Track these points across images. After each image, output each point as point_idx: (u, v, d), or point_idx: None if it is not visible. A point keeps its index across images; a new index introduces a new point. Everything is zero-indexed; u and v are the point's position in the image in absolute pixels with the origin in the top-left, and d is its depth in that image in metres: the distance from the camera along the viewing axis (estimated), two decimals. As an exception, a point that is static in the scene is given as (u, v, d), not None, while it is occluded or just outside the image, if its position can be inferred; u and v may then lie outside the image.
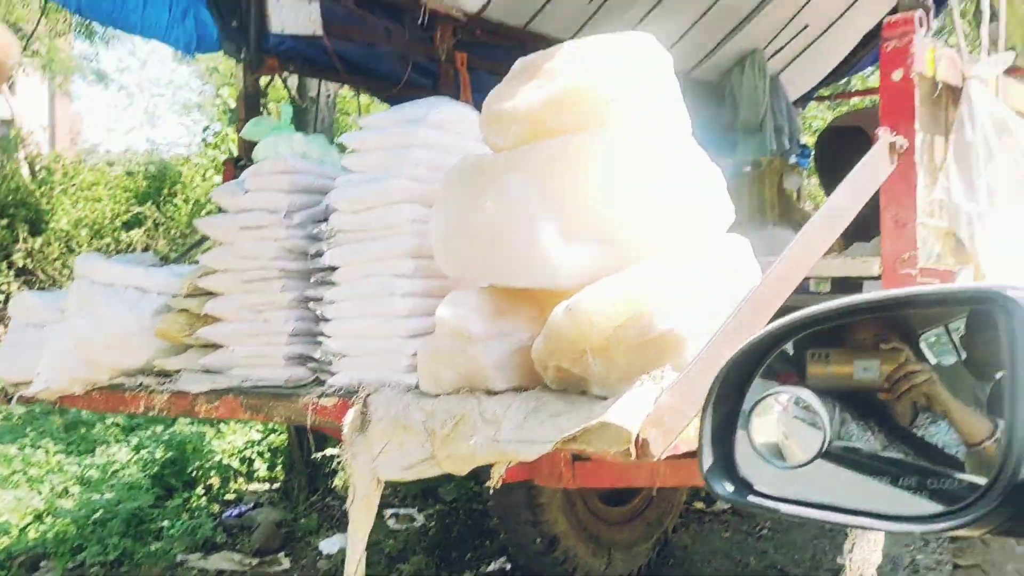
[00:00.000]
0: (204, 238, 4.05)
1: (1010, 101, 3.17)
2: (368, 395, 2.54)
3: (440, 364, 2.40)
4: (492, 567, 5.59)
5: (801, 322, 1.17)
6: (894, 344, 1.88)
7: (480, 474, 2.38)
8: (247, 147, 3.99)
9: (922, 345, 2.21)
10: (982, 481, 1.10)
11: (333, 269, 2.82)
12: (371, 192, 2.69)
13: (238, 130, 4.72)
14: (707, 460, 1.19)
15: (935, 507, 1.14)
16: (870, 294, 1.12)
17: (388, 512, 6.45)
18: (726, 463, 1.20)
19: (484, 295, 2.36)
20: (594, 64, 2.18)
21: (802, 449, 1.19)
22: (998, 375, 1.30)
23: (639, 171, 2.10)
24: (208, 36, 4.87)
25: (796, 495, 1.17)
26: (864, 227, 3.70)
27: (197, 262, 3.50)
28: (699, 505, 6.94)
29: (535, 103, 2.22)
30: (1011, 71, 3.85)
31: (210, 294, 3.27)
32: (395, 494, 6.85)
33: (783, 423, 1.22)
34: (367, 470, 2.48)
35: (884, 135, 2.71)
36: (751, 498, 1.17)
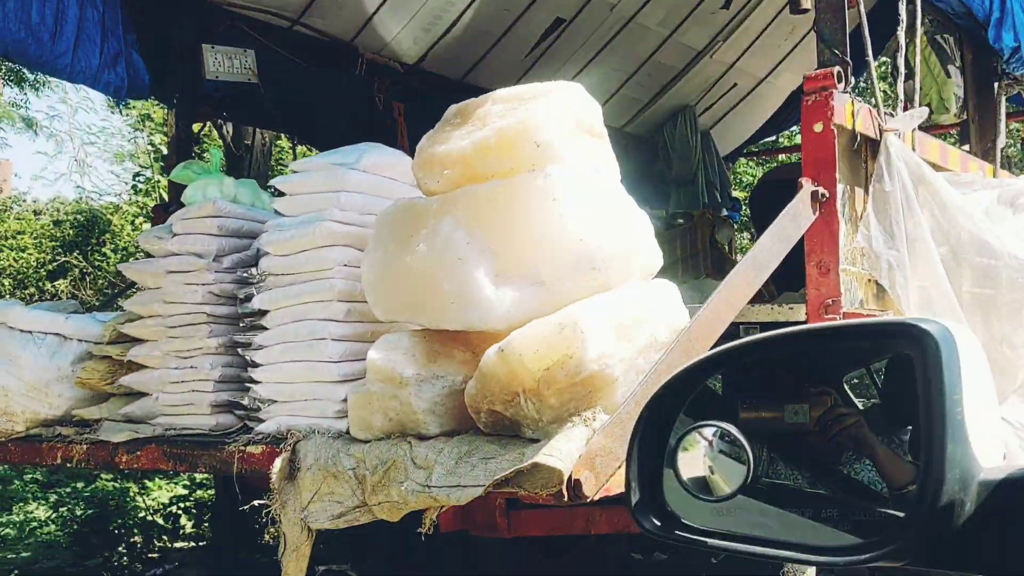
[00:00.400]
0: (131, 286, 3.96)
1: (925, 154, 3.31)
2: (297, 442, 2.48)
3: (371, 409, 2.36)
4: (426, 623, 5.46)
5: (724, 355, 1.18)
6: (822, 388, 1.92)
7: (413, 525, 2.33)
8: (177, 193, 3.93)
9: (845, 387, 2.26)
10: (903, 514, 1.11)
11: (262, 313, 2.77)
12: (301, 235, 2.67)
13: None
14: (634, 496, 1.19)
15: (856, 540, 1.15)
16: (790, 329, 1.14)
17: (320, 568, 6.27)
18: (653, 499, 1.20)
19: (416, 338, 2.34)
20: (525, 110, 2.21)
21: (727, 483, 1.20)
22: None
23: (569, 215, 2.12)
24: (140, 81, 4.81)
25: (723, 529, 1.17)
26: (794, 278, 3.80)
27: (122, 309, 3.40)
28: (637, 556, 6.91)
29: (467, 147, 2.24)
30: (925, 129, 4.02)
31: (134, 340, 3.18)
32: (328, 548, 6.67)
33: (708, 457, 1.22)
34: (297, 520, 2.41)
35: (806, 185, 2.80)
36: (678, 532, 1.16)
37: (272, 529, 2.40)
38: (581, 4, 6.47)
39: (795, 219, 2.70)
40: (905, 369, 2.11)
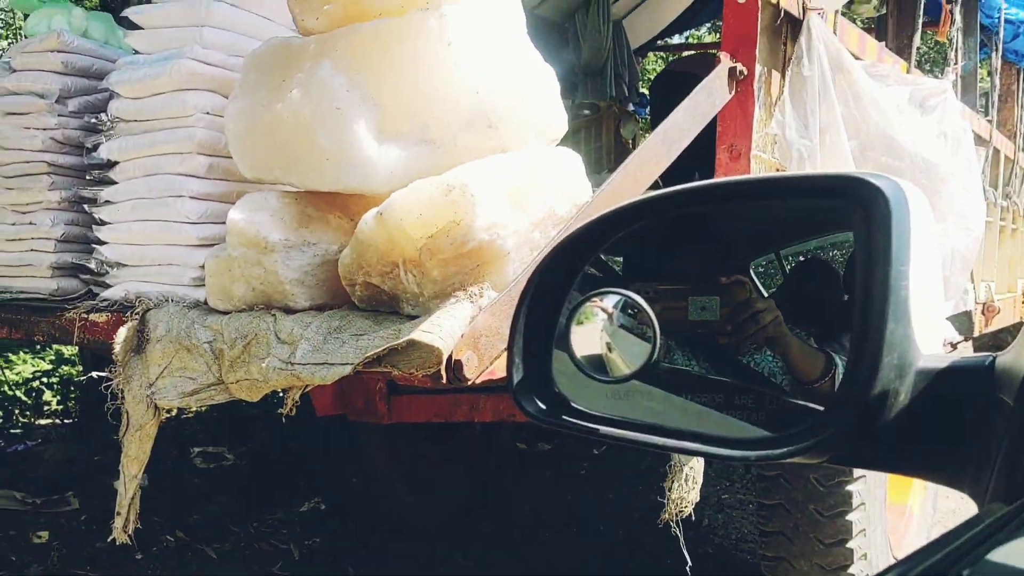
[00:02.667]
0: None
1: (845, 41, 3.15)
2: (147, 310, 2.20)
3: (232, 277, 2.09)
4: (306, 507, 5.34)
5: (627, 212, 0.98)
6: (736, 277, 1.73)
7: (299, 412, 2.13)
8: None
9: (752, 274, 2.13)
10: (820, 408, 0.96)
11: (112, 165, 2.42)
12: (156, 75, 2.30)
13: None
14: (517, 374, 0.99)
15: (770, 433, 0.99)
16: (715, 180, 0.94)
17: (195, 450, 6.04)
18: (539, 378, 1.01)
19: (286, 199, 2.07)
20: (421, -62, 1.91)
21: (627, 362, 1.01)
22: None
23: (465, 63, 1.86)
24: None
25: (618, 416, 0.99)
26: (692, 172, 3.65)
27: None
28: (522, 446, 6.94)
29: (352, -21, 1.93)
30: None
31: (-34, 192, 2.78)
32: (204, 431, 6.44)
33: (607, 332, 1.03)
34: (143, 396, 2.16)
35: (724, 60, 2.60)
36: (566, 418, 0.98)
37: (114, 404, 2.14)
38: None
39: (710, 95, 2.51)
40: (816, 266, 1.95)
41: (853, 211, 0.91)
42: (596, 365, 1.03)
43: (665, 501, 2.51)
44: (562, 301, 1.04)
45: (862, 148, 3.21)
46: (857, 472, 3.37)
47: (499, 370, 1.81)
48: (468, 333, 1.72)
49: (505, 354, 1.80)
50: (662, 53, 11.20)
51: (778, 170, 2.93)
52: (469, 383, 1.72)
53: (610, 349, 1.04)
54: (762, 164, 2.79)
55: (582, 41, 8.26)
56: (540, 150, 2.04)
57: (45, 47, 2.62)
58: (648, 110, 9.27)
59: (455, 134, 1.89)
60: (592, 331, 1.04)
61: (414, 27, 1.87)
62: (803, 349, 1.69)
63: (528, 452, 6.90)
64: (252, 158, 2.11)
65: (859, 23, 6.02)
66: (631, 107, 8.64)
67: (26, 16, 3.69)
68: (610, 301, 1.03)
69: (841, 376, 1.48)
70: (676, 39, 10.55)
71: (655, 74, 12.89)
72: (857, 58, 3.28)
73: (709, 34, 13.20)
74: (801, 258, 2.17)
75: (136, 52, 2.50)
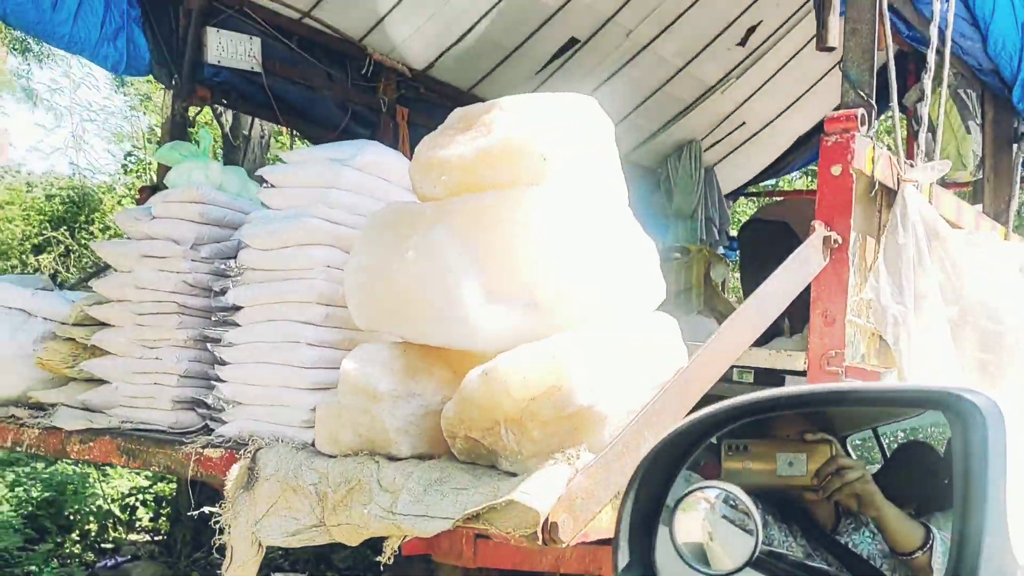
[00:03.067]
0: (109, 267, 3.80)
1: (941, 209, 3.20)
2: (258, 449, 2.32)
3: (340, 422, 2.20)
4: (380, 644, 5.27)
5: (740, 409, 1.04)
6: (822, 436, 1.72)
7: (376, 542, 2.19)
8: (165, 173, 3.78)
9: (848, 447, 2.11)
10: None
11: (236, 309, 2.61)
12: (284, 230, 2.52)
13: (159, 156, 4.49)
14: (623, 558, 1.05)
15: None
16: (818, 385, 1.00)
17: (274, 575, 6.08)
18: (643, 562, 1.05)
19: (395, 351, 2.20)
20: (533, 120, 2.08)
21: (729, 554, 1.05)
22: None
23: (571, 234, 1.99)
24: (139, 59, 4.67)
25: (718, 606, 1.03)
26: (783, 324, 3.67)
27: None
28: (601, 591, 6.75)
29: (468, 154, 2.10)
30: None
31: (100, 324, 3.02)
32: (285, 556, 6.48)
33: (710, 523, 1.08)
34: (248, 533, 2.25)
35: (819, 229, 2.67)
36: (668, 606, 1.02)
37: (220, 539, 2.23)
38: (597, 26, 6.37)
39: (805, 263, 2.57)
40: (916, 450, 1.93)
41: (951, 422, 0.96)
42: (697, 553, 1.07)
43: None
44: (668, 487, 1.10)
45: (962, 314, 3.20)
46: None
47: (592, 532, 1.84)
48: (564, 495, 1.77)
49: (598, 516, 1.84)
50: (753, 199, 11.32)
51: (873, 334, 2.94)
52: (564, 545, 1.76)
53: (711, 538, 1.08)
54: (856, 328, 2.81)
55: (674, 186, 8.46)
56: (639, 317, 2.13)
57: (184, 198, 2.89)
58: (737, 254, 9.32)
59: (559, 300, 1.99)
60: (695, 518, 1.08)
61: (524, 200, 2.02)
62: (900, 518, 1.66)
63: (608, 600, 6.69)
64: (367, 310, 2.26)
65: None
66: (721, 250, 8.71)
67: (160, 166, 4.06)
68: (713, 492, 1.08)
69: (939, 550, 1.47)
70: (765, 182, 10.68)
71: (745, 217, 13.00)
72: (954, 225, 3.31)
73: (800, 177, 13.31)
74: (900, 434, 2.16)
75: (265, 206, 2.74)
